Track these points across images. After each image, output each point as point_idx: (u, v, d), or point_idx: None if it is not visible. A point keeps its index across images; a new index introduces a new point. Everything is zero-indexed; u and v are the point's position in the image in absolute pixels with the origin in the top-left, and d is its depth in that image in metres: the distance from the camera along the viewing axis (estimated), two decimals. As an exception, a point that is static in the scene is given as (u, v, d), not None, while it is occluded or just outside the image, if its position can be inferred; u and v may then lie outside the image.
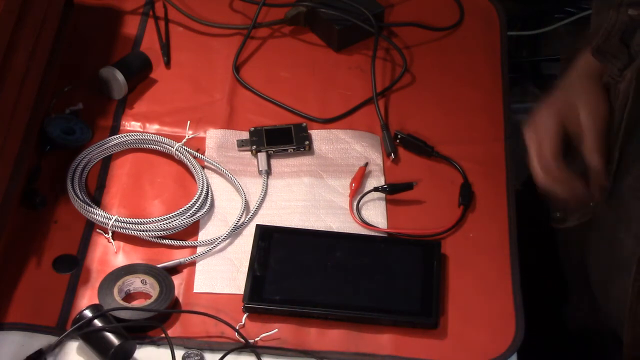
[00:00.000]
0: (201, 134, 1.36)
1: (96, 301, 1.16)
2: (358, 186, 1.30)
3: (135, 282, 1.19)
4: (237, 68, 1.45)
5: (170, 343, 1.12)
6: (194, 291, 1.20)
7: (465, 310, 1.20)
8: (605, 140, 1.14)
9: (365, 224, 1.27)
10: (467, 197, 1.30)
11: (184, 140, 1.33)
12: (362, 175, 1.31)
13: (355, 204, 1.29)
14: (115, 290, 1.17)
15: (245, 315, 1.17)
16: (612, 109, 1.15)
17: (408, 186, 1.29)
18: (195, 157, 1.32)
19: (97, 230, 1.25)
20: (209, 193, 1.29)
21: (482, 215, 1.29)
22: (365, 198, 1.29)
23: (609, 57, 1.15)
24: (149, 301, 1.17)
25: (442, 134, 1.37)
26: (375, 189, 1.29)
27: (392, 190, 1.29)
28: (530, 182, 1.31)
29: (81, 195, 1.26)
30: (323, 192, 1.31)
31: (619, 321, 1.18)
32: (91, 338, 1.12)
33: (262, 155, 1.33)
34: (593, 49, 1.16)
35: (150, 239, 1.23)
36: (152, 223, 1.24)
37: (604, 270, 1.20)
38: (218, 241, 1.24)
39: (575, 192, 1.14)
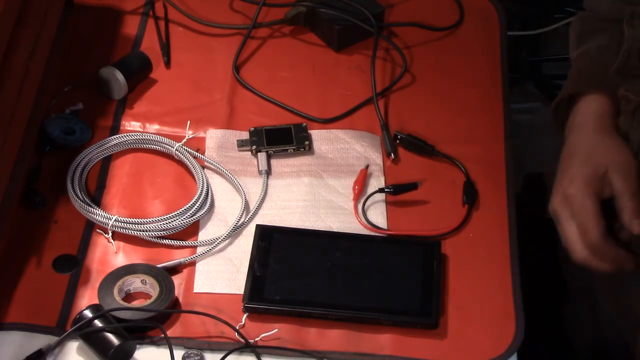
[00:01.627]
0: (201, 134, 1.36)
1: (96, 301, 1.16)
2: (361, 189, 1.30)
3: (135, 282, 1.19)
4: (237, 68, 1.45)
5: (170, 343, 1.12)
6: (194, 291, 1.20)
7: (465, 310, 1.20)
8: None
9: (372, 226, 1.26)
10: (471, 195, 1.30)
11: (184, 140, 1.33)
12: (364, 177, 1.31)
13: (360, 206, 1.29)
14: (115, 290, 1.17)
15: (245, 315, 1.17)
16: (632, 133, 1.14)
17: (412, 186, 1.29)
18: (195, 157, 1.32)
19: (97, 230, 1.25)
20: (209, 193, 1.29)
21: (482, 215, 1.29)
22: (369, 200, 1.29)
23: (630, 77, 1.13)
24: (149, 301, 1.17)
25: (442, 134, 1.37)
26: (380, 190, 1.29)
27: (397, 191, 1.29)
28: (530, 183, 1.32)
29: (81, 195, 1.26)
30: (323, 192, 1.31)
31: (629, 332, 1.16)
32: (91, 338, 1.12)
33: (262, 155, 1.33)
34: (614, 70, 1.14)
35: (150, 239, 1.23)
36: (152, 223, 1.24)
37: (614, 277, 1.18)
38: (218, 241, 1.24)
39: (626, 267, 1.11)
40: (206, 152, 1.34)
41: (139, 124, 1.37)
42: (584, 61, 1.23)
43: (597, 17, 1.26)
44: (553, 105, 1.23)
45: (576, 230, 1.10)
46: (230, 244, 1.25)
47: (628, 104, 1.15)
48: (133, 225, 1.23)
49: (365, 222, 1.27)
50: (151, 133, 1.35)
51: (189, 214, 1.25)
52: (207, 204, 1.27)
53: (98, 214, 1.24)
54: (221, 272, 1.22)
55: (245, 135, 1.36)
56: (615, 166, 1.11)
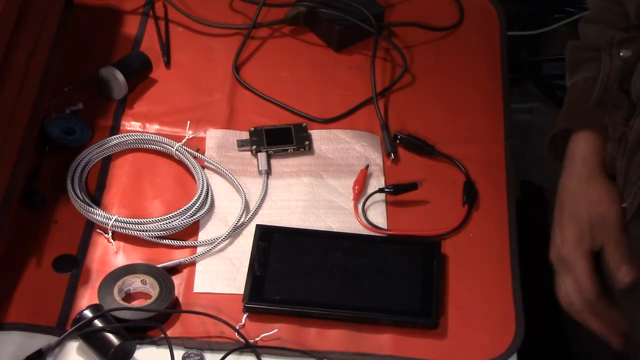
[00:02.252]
0: (201, 134, 1.36)
1: (96, 301, 1.16)
2: (361, 189, 1.30)
3: (135, 282, 1.19)
4: (237, 68, 1.45)
5: (170, 343, 1.12)
6: (194, 291, 1.20)
7: (465, 310, 1.20)
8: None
9: (372, 226, 1.27)
10: (471, 195, 1.30)
11: (184, 140, 1.33)
12: (364, 177, 1.31)
13: (360, 206, 1.29)
14: (115, 290, 1.17)
15: (245, 315, 1.17)
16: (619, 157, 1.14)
17: (412, 186, 1.29)
18: (195, 157, 1.32)
19: (97, 230, 1.25)
20: (209, 193, 1.29)
21: (482, 215, 1.29)
22: (369, 200, 1.29)
23: (611, 107, 1.14)
24: (149, 301, 1.17)
25: (442, 134, 1.37)
26: (380, 190, 1.29)
27: (397, 191, 1.29)
28: (528, 189, 1.32)
29: (81, 195, 1.26)
30: (323, 192, 1.31)
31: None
32: (91, 338, 1.12)
33: (262, 155, 1.33)
34: (593, 102, 1.14)
35: (150, 239, 1.23)
36: (152, 223, 1.24)
37: (628, 289, 1.18)
38: (218, 241, 1.24)
39: (618, 328, 1.13)
40: (206, 152, 1.34)
41: (139, 124, 1.37)
42: (573, 94, 1.25)
43: (586, 45, 1.27)
44: (547, 139, 1.25)
45: (573, 287, 1.12)
46: (230, 244, 1.25)
47: (615, 130, 1.16)
48: (133, 225, 1.23)
49: (365, 222, 1.27)
50: (151, 133, 1.35)
51: (189, 214, 1.25)
52: (207, 204, 1.27)
53: (98, 214, 1.24)
54: (221, 272, 1.22)
55: (245, 135, 1.36)
56: (597, 219, 1.13)
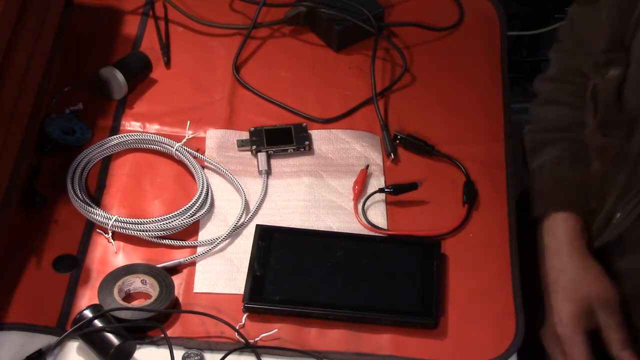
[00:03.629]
0: (201, 134, 1.36)
1: (96, 301, 1.16)
2: (361, 189, 1.30)
3: (135, 282, 1.19)
4: (237, 68, 1.45)
5: (169, 343, 1.12)
6: (194, 291, 1.20)
7: (465, 310, 1.20)
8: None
9: (372, 226, 1.26)
10: (471, 195, 1.30)
11: (184, 140, 1.33)
12: (364, 177, 1.31)
13: (360, 207, 1.29)
14: (115, 290, 1.17)
15: (245, 315, 1.17)
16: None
17: (412, 186, 1.29)
18: (195, 157, 1.32)
19: (97, 230, 1.25)
20: (209, 193, 1.29)
21: (482, 215, 1.29)
22: (369, 200, 1.29)
23: (612, 129, 1.17)
24: (149, 301, 1.17)
25: (442, 134, 1.37)
26: (380, 190, 1.29)
27: (397, 191, 1.29)
28: (525, 196, 1.32)
29: (81, 195, 1.26)
30: (323, 192, 1.31)
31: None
32: (91, 338, 1.12)
33: (262, 155, 1.33)
34: (598, 125, 1.18)
35: (150, 239, 1.23)
36: (152, 223, 1.24)
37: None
38: (218, 241, 1.24)
39: None
40: (206, 152, 1.34)
41: (139, 124, 1.37)
42: (542, 179, 1.28)
43: (546, 128, 1.30)
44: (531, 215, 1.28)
45: None
46: (230, 244, 1.25)
47: (607, 151, 1.19)
48: (133, 225, 1.23)
49: (365, 222, 1.27)
50: (151, 133, 1.35)
51: (189, 214, 1.25)
52: (207, 204, 1.27)
53: (98, 214, 1.24)
54: (221, 272, 1.22)
55: (245, 135, 1.36)
56: (598, 301, 1.17)
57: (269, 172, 1.32)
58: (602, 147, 1.20)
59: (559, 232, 1.23)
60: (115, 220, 1.23)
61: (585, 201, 1.24)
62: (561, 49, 1.36)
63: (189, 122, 1.36)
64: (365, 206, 1.29)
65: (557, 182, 1.26)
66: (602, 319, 1.17)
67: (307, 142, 1.35)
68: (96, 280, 1.19)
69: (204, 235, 1.25)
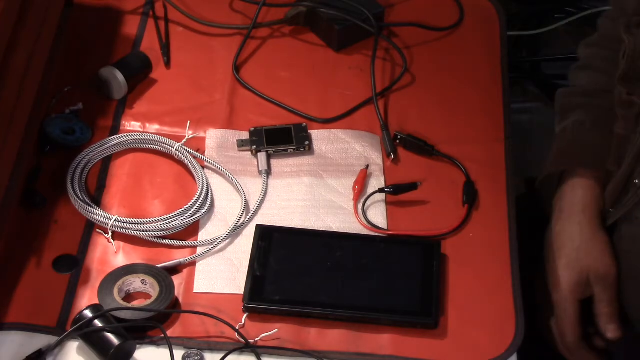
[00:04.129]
0: (201, 134, 1.36)
1: (96, 301, 1.16)
2: (361, 189, 1.30)
3: (135, 282, 1.19)
4: (237, 68, 1.45)
5: (169, 343, 1.12)
6: (194, 291, 1.20)
7: (465, 310, 1.20)
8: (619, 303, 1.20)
9: (372, 226, 1.26)
10: (471, 195, 1.30)
11: (184, 140, 1.33)
12: (364, 177, 1.31)
13: (360, 207, 1.29)
14: (115, 290, 1.17)
15: (245, 315, 1.17)
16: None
17: (412, 186, 1.29)
18: (195, 157, 1.32)
19: (97, 230, 1.25)
20: (209, 193, 1.29)
21: (483, 215, 1.29)
22: (369, 200, 1.29)
23: (635, 81, 1.17)
24: (149, 301, 1.17)
25: (442, 134, 1.37)
26: (380, 190, 1.29)
27: (397, 191, 1.29)
28: (530, 186, 1.32)
29: (81, 195, 1.26)
30: (323, 192, 1.31)
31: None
32: (91, 338, 1.12)
33: (262, 155, 1.33)
34: (619, 78, 1.18)
35: (150, 239, 1.23)
36: (152, 223, 1.24)
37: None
38: (218, 241, 1.24)
39: None
40: (206, 152, 1.34)
41: (139, 124, 1.37)
42: (563, 139, 1.29)
43: (576, 92, 1.31)
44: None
45: (556, 328, 1.22)
46: (230, 244, 1.25)
47: (631, 108, 1.19)
48: (133, 225, 1.23)
49: (365, 222, 1.27)
50: (151, 133, 1.35)
51: (189, 214, 1.25)
52: (207, 204, 1.27)
53: (98, 214, 1.24)
54: (221, 272, 1.22)
55: (245, 135, 1.36)
56: (596, 275, 1.19)
57: (269, 172, 1.32)
58: (626, 104, 1.20)
59: (574, 199, 1.24)
60: (115, 220, 1.23)
61: (602, 162, 1.24)
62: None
63: (189, 122, 1.36)
64: (365, 206, 1.29)
65: (576, 143, 1.27)
66: (596, 292, 1.19)
67: (307, 142, 1.35)
68: (96, 280, 1.19)
69: (204, 235, 1.25)
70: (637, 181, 1.17)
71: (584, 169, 1.24)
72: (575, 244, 1.21)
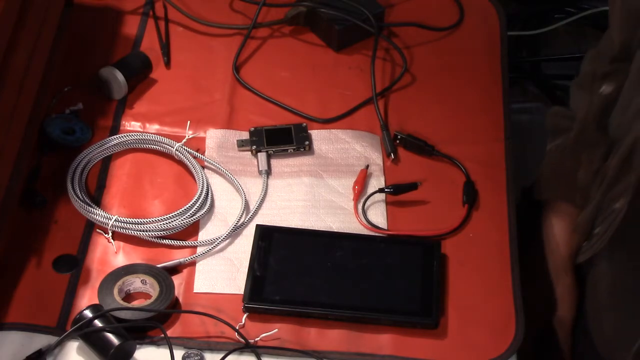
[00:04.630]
0: (201, 134, 1.36)
1: (96, 301, 1.16)
2: (361, 189, 1.30)
3: (135, 282, 1.19)
4: (237, 68, 1.45)
5: (169, 343, 1.12)
6: (194, 291, 1.20)
7: (465, 310, 1.20)
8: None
9: (372, 226, 1.26)
10: (471, 195, 1.30)
11: (184, 140, 1.33)
12: (364, 177, 1.31)
13: (360, 207, 1.29)
14: (115, 290, 1.17)
15: (245, 315, 1.17)
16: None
17: (412, 186, 1.29)
18: (195, 157, 1.32)
19: (97, 230, 1.25)
20: (209, 193, 1.29)
21: (483, 215, 1.29)
22: (369, 200, 1.29)
23: (588, 147, 1.21)
24: (149, 301, 1.17)
25: (442, 134, 1.37)
26: (380, 190, 1.29)
27: (397, 191, 1.29)
28: (527, 195, 1.33)
29: (81, 195, 1.26)
30: (323, 192, 1.31)
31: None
32: (91, 338, 1.12)
33: (262, 155, 1.33)
34: (571, 143, 1.23)
35: (150, 239, 1.23)
36: (152, 223, 1.24)
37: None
38: (218, 241, 1.24)
39: None
40: (206, 152, 1.34)
41: (139, 124, 1.37)
42: (548, 163, 1.31)
43: (565, 114, 1.31)
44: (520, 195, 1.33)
45: None
46: (230, 244, 1.25)
47: (591, 164, 1.23)
48: (133, 225, 1.23)
49: (365, 222, 1.27)
50: (151, 133, 1.35)
51: (189, 214, 1.25)
52: (207, 204, 1.27)
53: (98, 214, 1.24)
54: (221, 272, 1.22)
55: (245, 135, 1.36)
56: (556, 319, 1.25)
57: (269, 172, 1.32)
58: (585, 159, 1.24)
59: (548, 235, 1.28)
60: (115, 220, 1.23)
61: (577, 195, 1.27)
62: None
63: (189, 122, 1.36)
64: (365, 206, 1.29)
65: (555, 172, 1.28)
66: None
67: (307, 142, 1.35)
68: (96, 280, 1.19)
69: (204, 235, 1.25)
70: (597, 230, 1.19)
71: (561, 201, 1.28)
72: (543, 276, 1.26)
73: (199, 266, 1.22)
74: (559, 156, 1.28)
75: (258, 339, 1.15)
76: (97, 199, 1.28)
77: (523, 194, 1.36)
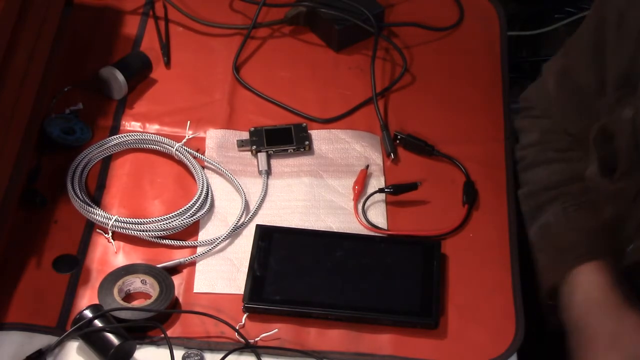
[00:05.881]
0: (201, 134, 1.36)
1: (96, 301, 1.16)
2: (361, 189, 1.30)
3: (135, 282, 1.19)
4: (237, 68, 1.45)
5: (169, 343, 1.12)
6: (194, 291, 1.20)
7: (465, 310, 1.20)
8: None
9: (372, 226, 1.27)
10: (471, 195, 1.30)
11: (184, 140, 1.33)
12: (364, 177, 1.31)
13: (360, 207, 1.29)
14: (115, 290, 1.17)
15: (245, 315, 1.17)
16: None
17: (412, 186, 1.29)
18: (195, 157, 1.32)
19: (97, 230, 1.25)
20: (209, 193, 1.29)
21: (482, 215, 1.29)
22: (369, 200, 1.29)
23: (629, 170, 1.13)
24: (149, 301, 1.17)
25: (442, 134, 1.37)
26: (380, 190, 1.29)
27: (397, 191, 1.29)
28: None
29: (81, 195, 1.26)
30: (323, 192, 1.31)
31: None
32: (91, 338, 1.12)
33: (262, 155, 1.33)
34: (611, 167, 1.13)
35: (150, 239, 1.23)
36: (152, 223, 1.24)
37: None
38: (218, 241, 1.24)
39: None
40: (206, 152, 1.34)
41: (139, 124, 1.37)
42: (554, 236, 1.22)
43: (538, 189, 1.26)
44: (545, 297, 1.21)
45: None
46: (230, 244, 1.25)
47: (622, 195, 1.15)
48: (133, 225, 1.23)
49: (365, 222, 1.27)
50: (151, 133, 1.35)
51: (189, 214, 1.25)
52: (207, 204, 1.27)
53: (98, 214, 1.24)
54: (221, 272, 1.22)
55: (245, 135, 1.36)
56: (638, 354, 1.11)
57: (269, 172, 1.32)
58: (615, 193, 1.15)
59: (589, 286, 1.16)
60: (115, 220, 1.23)
61: (608, 245, 1.18)
62: (534, 115, 1.32)
63: (189, 122, 1.36)
64: (365, 206, 1.29)
65: (573, 231, 1.20)
66: None
67: (307, 142, 1.35)
68: (96, 280, 1.19)
69: (204, 235, 1.25)
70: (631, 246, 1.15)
71: (590, 260, 1.16)
72: (609, 326, 1.13)
73: (199, 266, 1.22)
74: (564, 220, 1.20)
75: (258, 339, 1.15)
76: (97, 199, 1.28)
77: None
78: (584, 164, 1.19)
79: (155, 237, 1.23)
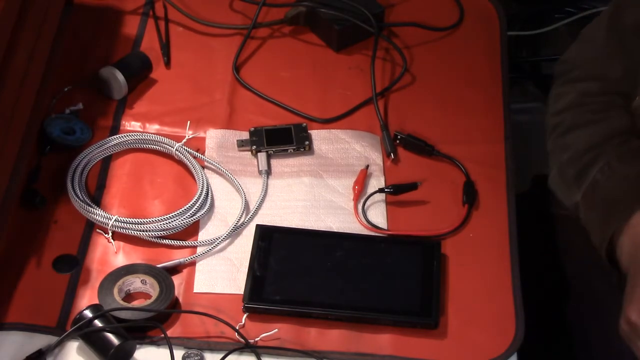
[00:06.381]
0: (201, 134, 1.36)
1: (96, 301, 1.16)
2: (361, 189, 1.30)
3: (135, 282, 1.19)
4: (237, 68, 1.45)
5: (169, 343, 1.12)
6: (194, 291, 1.20)
7: (465, 310, 1.20)
8: None
9: (372, 226, 1.26)
10: (470, 195, 1.30)
11: (184, 140, 1.33)
12: (364, 177, 1.31)
13: (360, 207, 1.29)
14: (115, 290, 1.17)
15: (245, 315, 1.17)
16: None
17: (412, 186, 1.29)
18: (195, 157, 1.32)
19: (97, 230, 1.25)
20: (209, 193, 1.29)
21: (482, 215, 1.29)
22: (369, 200, 1.29)
23: None
24: (149, 301, 1.17)
25: (442, 134, 1.37)
26: (380, 190, 1.29)
27: (397, 191, 1.29)
28: (537, 183, 1.30)
29: (81, 195, 1.26)
30: (323, 192, 1.31)
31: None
32: (91, 338, 1.12)
33: (262, 155, 1.33)
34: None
35: (150, 239, 1.23)
36: (152, 223, 1.24)
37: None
38: (218, 241, 1.24)
39: None
40: (206, 152, 1.34)
41: (139, 124, 1.37)
42: (604, 189, 1.19)
43: (580, 153, 1.23)
44: (604, 254, 1.18)
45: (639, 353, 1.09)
46: (230, 244, 1.25)
47: None
48: (133, 225, 1.23)
49: (365, 222, 1.27)
50: (151, 133, 1.35)
51: (189, 214, 1.25)
52: (207, 204, 1.27)
53: (98, 214, 1.24)
54: (221, 272, 1.22)
55: (245, 135, 1.36)
56: None
57: (269, 172, 1.32)
58: None
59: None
60: (115, 220, 1.23)
61: None
62: (572, 77, 1.29)
63: (189, 122, 1.36)
64: (365, 206, 1.29)
65: (622, 181, 1.17)
66: None
67: (307, 142, 1.35)
68: (96, 280, 1.19)
69: (204, 235, 1.25)
70: None
71: None
72: None
73: (199, 266, 1.22)
74: (612, 172, 1.18)
75: (258, 339, 1.15)
76: (97, 199, 1.28)
77: (534, 183, 1.35)
78: (620, 120, 1.17)
79: (155, 237, 1.23)
